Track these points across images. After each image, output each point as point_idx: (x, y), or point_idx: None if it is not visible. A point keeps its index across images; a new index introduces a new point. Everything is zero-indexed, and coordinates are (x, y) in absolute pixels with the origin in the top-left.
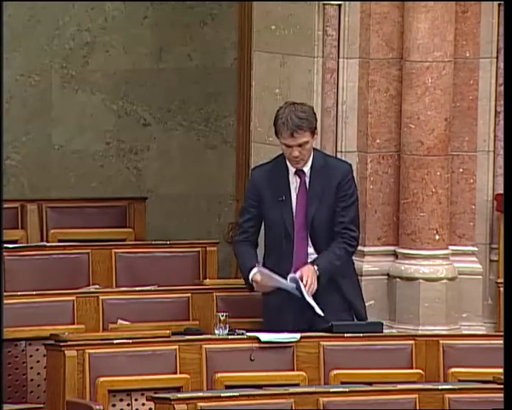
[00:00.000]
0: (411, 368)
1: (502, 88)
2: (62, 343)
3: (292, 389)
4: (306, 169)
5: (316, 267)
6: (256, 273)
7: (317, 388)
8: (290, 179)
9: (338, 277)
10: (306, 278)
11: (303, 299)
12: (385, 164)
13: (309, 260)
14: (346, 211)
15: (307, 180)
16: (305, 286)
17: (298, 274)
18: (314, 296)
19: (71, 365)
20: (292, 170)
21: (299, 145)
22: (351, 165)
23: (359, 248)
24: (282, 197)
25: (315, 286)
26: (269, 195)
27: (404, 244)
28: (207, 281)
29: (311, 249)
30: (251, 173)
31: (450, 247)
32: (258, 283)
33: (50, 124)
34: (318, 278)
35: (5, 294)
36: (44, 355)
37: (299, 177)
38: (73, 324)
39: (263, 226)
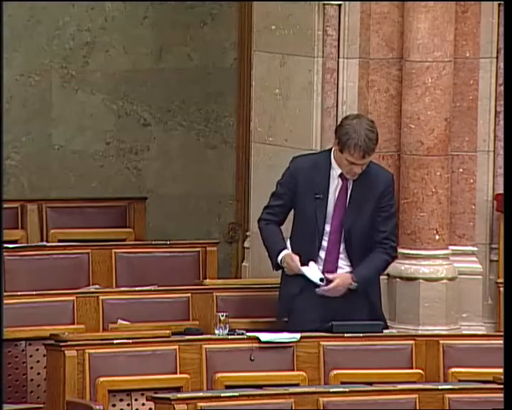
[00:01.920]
0: (411, 368)
1: (502, 88)
2: (62, 343)
3: (292, 389)
4: None
5: (353, 279)
6: (288, 254)
7: (317, 388)
8: (331, 179)
9: None
10: (335, 285)
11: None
12: (385, 164)
13: (339, 266)
14: (387, 221)
15: (349, 184)
16: (327, 289)
17: (332, 276)
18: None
19: (71, 365)
20: (336, 171)
21: (363, 163)
22: (393, 175)
23: None
24: (320, 195)
25: (335, 293)
26: (306, 188)
27: (404, 244)
28: (207, 281)
29: (342, 255)
30: (292, 161)
31: (450, 247)
32: (290, 264)
33: (50, 124)
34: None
35: (5, 294)
36: (44, 355)
37: (342, 180)
38: (73, 324)
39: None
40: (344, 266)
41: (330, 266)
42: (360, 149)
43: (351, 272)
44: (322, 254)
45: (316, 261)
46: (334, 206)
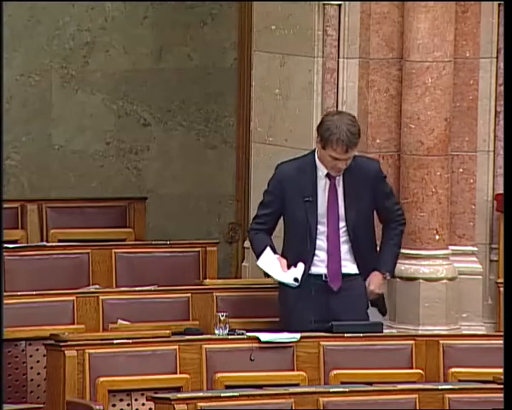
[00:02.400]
0: (411, 368)
1: (502, 88)
2: (62, 343)
3: (292, 389)
4: None
5: (383, 273)
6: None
7: (317, 388)
8: (318, 180)
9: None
10: (373, 288)
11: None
12: (385, 164)
13: (344, 266)
14: (387, 199)
15: (338, 182)
16: (371, 292)
17: (366, 282)
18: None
19: (71, 365)
20: (323, 171)
21: (347, 158)
22: (378, 162)
23: None
24: (309, 198)
25: (378, 292)
26: (294, 192)
27: (404, 244)
28: (207, 281)
29: (347, 255)
30: (277, 168)
31: (450, 247)
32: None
33: (50, 124)
34: (387, 277)
35: (5, 294)
36: (44, 355)
37: (330, 178)
38: (73, 324)
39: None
40: (349, 264)
41: (334, 266)
42: (343, 144)
43: (378, 269)
44: (322, 254)
45: (311, 263)
46: (326, 206)
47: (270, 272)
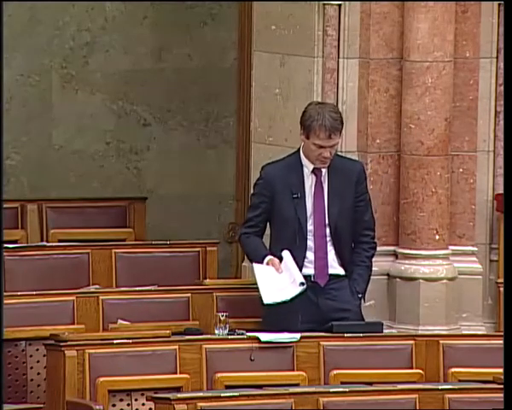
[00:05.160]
0: (411, 368)
1: (502, 88)
2: (62, 343)
3: (292, 389)
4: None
5: (359, 296)
6: (271, 259)
7: (317, 388)
8: (305, 177)
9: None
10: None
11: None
12: (385, 164)
13: (331, 266)
14: (366, 210)
15: (323, 179)
16: None
17: None
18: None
19: (71, 365)
20: (309, 168)
21: (331, 146)
22: (362, 163)
23: None
24: (298, 194)
25: None
26: (282, 191)
27: (404, 244)
28: (207, 281)
29: (331, 254)
30: (262, 170)
31: (450, 247)
32: (276, 265)
33: (50, 124)
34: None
35: (5, 294)
36: (44, 355)
37: (316, 175)
38: (73, 324)
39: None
40: (335, 264)
41: (321, 262)
42: (326, 129)
43: (351, 291)
44: (311, 255)
45: (302, 265)
46: (312, 202)
47: (278, 299)
